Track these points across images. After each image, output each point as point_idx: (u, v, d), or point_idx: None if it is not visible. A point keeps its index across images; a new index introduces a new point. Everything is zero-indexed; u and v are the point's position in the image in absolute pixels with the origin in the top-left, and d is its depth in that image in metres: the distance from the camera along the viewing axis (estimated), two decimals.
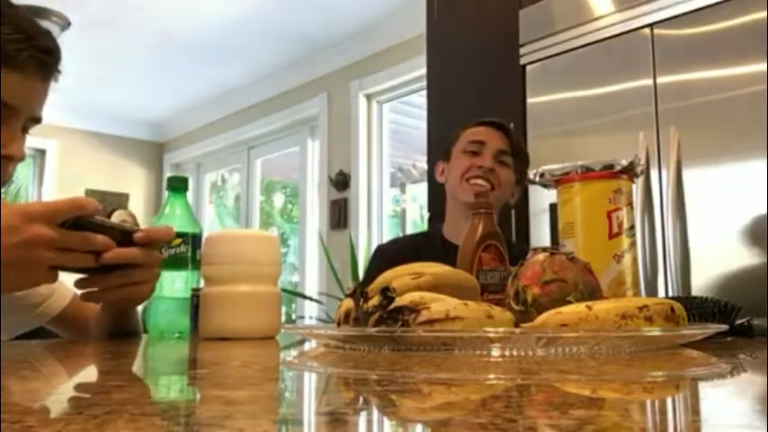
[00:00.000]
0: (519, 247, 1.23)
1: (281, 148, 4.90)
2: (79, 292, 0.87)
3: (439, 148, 1.88)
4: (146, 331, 1.01)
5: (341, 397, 0.42)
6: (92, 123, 5.43)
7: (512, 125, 2.29)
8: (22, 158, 0.90)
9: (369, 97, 4.14)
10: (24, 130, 0.92)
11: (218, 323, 0.92)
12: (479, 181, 1.53)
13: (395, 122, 4.22)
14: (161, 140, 5.84)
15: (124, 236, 0.81)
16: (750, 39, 1.83)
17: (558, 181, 0.95)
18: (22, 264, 0.73)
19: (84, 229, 0.77)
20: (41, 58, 0.88)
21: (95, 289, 0.85)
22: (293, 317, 4.54)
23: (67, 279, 1.08)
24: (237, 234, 1.01)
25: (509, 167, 1.58)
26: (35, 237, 0.72)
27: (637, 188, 1.94)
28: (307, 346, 0.82)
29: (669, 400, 0.41)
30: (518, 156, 1.61)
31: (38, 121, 0.93)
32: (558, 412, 0.33)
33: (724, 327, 0.68)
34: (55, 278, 0.78)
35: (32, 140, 5.49)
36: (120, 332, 0.98)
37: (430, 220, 2.63)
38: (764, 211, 1.75)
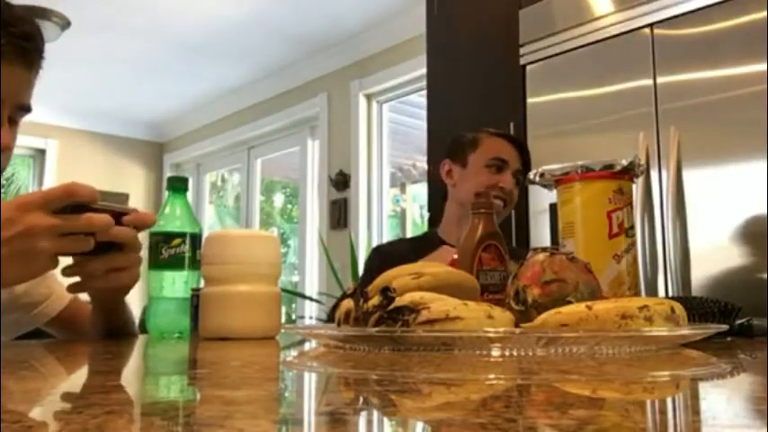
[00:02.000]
0: (519, 252, 1.23)
1: (281, 148, 4.90)
2: (65, 282, 0.86)
3: (439, 148, 1.88)
4: (145, 331, 1.01)
5: (341, 397, 0.42)
6: (92, 123, 5.42)
7: (511, 125, 2.29)
8: (8, 148, 0.89)
9: (369, 97, 4.14)
10: (14, 120, 0.91)
11: (217, 323, 0.92)
12: (497, 201, 1.54)
13: (395, 122, 4.22)
14: (161, 140, 5.84)
15: (114, 217, 0.80)
16: (750, 39, 1.83)
17: (558, 181, 0.95)
18: (23, 255, 0.73)
19: (79, 212, 0.76)
20: (20, 44, 0.86)
21: (79, 279, 0.84)
22: (293, 317, 4.53)
23: (65, 280, 1.08)
24: (237, 234, 1.01)
25: (519, 185, 1.63)
26: (32, 226, 0.72)
27: (637, 188, 1.94)
28: (307, 346, 0.82)
29: (669, 400, 0.41)
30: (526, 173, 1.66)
31: (27, 109, 0.91)
32: (558, 412, 0.33)
33: (724, 327, 0.68)
34: (56, 264, 0.77)
35: (32, 140, 5.48)
36: (115, 332, 0.98)
37: (430, 219, 2.63)
38: (764, 211, 1.75)
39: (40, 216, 0.72)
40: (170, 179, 1.02)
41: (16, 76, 0.88)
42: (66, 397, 0.43)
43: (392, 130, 4.19)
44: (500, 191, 1.56)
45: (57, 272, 0.82)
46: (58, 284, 1.07)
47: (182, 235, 0.97)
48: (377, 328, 0.64)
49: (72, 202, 0.75)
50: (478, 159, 1.61)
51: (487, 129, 1.70)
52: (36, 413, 0.35)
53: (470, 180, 1.60)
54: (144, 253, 0.89)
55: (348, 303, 0.73)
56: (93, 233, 0.78)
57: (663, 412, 0.36)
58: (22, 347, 0.83)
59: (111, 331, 0.98)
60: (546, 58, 2.31)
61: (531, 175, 1.01)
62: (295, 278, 4.67)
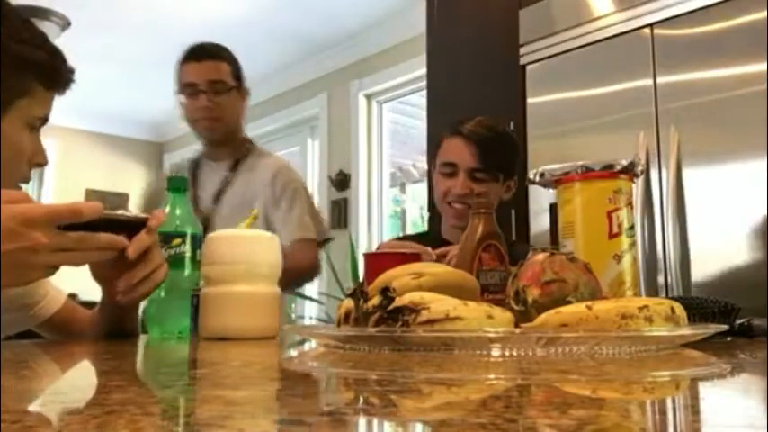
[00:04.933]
0: (523, 248, 1.21)
1: (281, 148, 4.89)
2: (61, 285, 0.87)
3: None
4: (145, 331, 1.01)
5: (341, 397, 0.42)
6: (92, 123, 5.42)
7: (512, 125, 2.29)
8: (47, 164, 0.99)
9: (369, 97, 4.14)
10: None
11: (217, 323, 0.92)
12: (457, 206, 1.49)
13: (395, 122, 4.22)
14: (161, 140, 5.83)
15: (133, 225, 0.83)
16: (750, 39, 1.83)
17: (558, 181, 0.95)
18: (20, 266, 0.73)
19: (93, 224, 0.77)
20: (72, 78, 0.98)
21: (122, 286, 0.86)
22: (293, 317, 4.53)
23: (60, 283, 1.08)
24: (237, 234, 1.01)
25: (486, 181, 1.50)
26: (36, 243, 0.72)
27: (637, 188, 1.94)
28: (307, 346, 0.82)
29: (669, 400, 0.41)
30: (497, 166, 1.52)
31: None
32: (558, 412, 0.33)
33: (724, 327, 0.68)
34: (51, 275, 0.78)
35: None
36: (120, 332, 0.98)
37: (430, 219, 2.63)
38: (764, 211, 1.75)
39: (43, 234, 0.73)
40: (170, 179, 1.02)
41: (52, 100, 0.98)
42: (67, 397, 0.43)
43: (392, 130, 4.19)
44: (455, 197, 1.49)
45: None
46: (53, 287, 1.07)
47: (182, 235, 0.97)
48: (377, 328, 0.64)
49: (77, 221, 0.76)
50: (438, 165, 1.56)
51: (456, 125, 1.56)
52: (36, 413, 0.35)
53: (435, 188, 1.58)
54: None
55: (348, 303, 0.73)
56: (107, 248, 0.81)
57: (663, 412, 0.36)
58: (22, 347, 0.83)
59: (117, 332, 0.98)
60: (546, 58, 2.31)
61: (531, 175, 1.01)
62: None
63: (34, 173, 0.97)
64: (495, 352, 0.60)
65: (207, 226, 1.59)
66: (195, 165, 1.94)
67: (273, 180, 1.84)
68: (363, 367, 0.55)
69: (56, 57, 0.95)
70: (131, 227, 0.82)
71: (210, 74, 1.95)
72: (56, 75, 0.95)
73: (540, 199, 2.17)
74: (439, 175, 1.55)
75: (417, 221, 4.17)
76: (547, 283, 0.70)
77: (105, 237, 0.79)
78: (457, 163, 1.51)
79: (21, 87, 0.91)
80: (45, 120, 0.97)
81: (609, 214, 0.90)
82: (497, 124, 1.59)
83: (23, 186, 0.97)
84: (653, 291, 1.93)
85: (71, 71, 0.97)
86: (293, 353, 0.80)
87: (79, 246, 0.77)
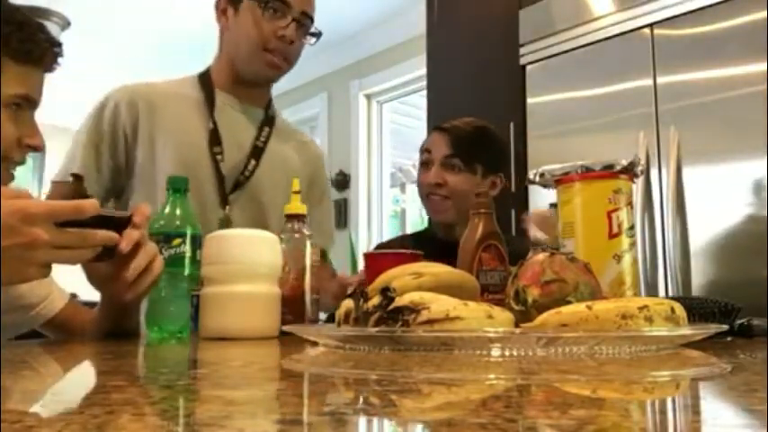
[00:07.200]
0: (524, 245, 1.21)
1: None
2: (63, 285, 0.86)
3: None
4: (145, 331, 1.01)
5: (341, 397, 0.42)
6: None
7: (511, 125, 2.29)
8: (43, 148, 0.95)
9: (369, 97, 4.14)
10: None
11: (217, 323, 0.92)
12: (433, 197, 1.51)
13: (395, 122, 4.22)
14: None
15: (122, 222, 0.83)
16: (750, 39, 1.83)
17: (558, 181, 0.95)
18: (18, 262, 0.73)
19: (84, 221, 0.77)
20: (57, 52, 0.93)
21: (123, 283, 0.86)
22: None
23: (63, 283, 1.08)
24: (237, 234, 1.01)
25: (462, 171, 1.49)
26: (34, 240, 0.72)
27: (637, 188, 1.94)
28: (307, 346, 0.82)
29: (669, 400, 0.41)
30: (470, 155, 1.51)
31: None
32: (558, 412, 0.33)
33: (724, 327, 0.68)
34: (48, 273, 0.78)
35: None
36: (121, 332, 0.98)
37: (430, 219, 2.63)
38: (764, 211, 1.75)
39: (42, 231, 0.72)
40: (170, 179, 1.02)
41: (43, 80, 0.94)
42: (67, 397, 0.43)
43: (392, 130, 4.19)
44: (428, 187, 1.51)
45: (54, 274, 0.82)
46: (56, 287, 1.07)
47: (182, 235, 0.97)
48: (377, 328, 0.64)
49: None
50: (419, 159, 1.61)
51: (440, 123, 1.60)
52: (36, 413, 0.35)
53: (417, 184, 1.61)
54: None
55: (348, 303, 0.73)
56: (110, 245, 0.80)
57: (663, 412, 0.36)
58: (23, 347, 0.83)
59: (118, 332, 0.98)
60: (546, 58, 2.31)
61: (531, 175, 1.01)
62: None
63: (32, 170, 0.95)
64: (495, 352, 0.60)
65: (240, 183, 1.33)
66: (209, 93, 1.50)
67: (319, 161, 1.54)
68: (363, 367, 0.55)
69: (25, 28, 0.88)
70: (118, 224, 0.82)
71: (308, 3, 1.47)
72: (26, 46, 0.88)
73: (540, 199, 2.17)
74: (420, 169, 1.58)
75: (417, 221, 4.18)
76: (547, 283, 0.70)
77: (102, 234, 0.79)
78: (431, 149, 1.54)
79: None
80: (28, 99, 0.91)
81: (609, 214, 0.90)
82: (479, 120, 1.60)
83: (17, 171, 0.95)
84: (653, 291, 1.93)
85: (53, 44, 0.91)
86: (293, 353, 0.80)
87: (79, 243, 0.77)
